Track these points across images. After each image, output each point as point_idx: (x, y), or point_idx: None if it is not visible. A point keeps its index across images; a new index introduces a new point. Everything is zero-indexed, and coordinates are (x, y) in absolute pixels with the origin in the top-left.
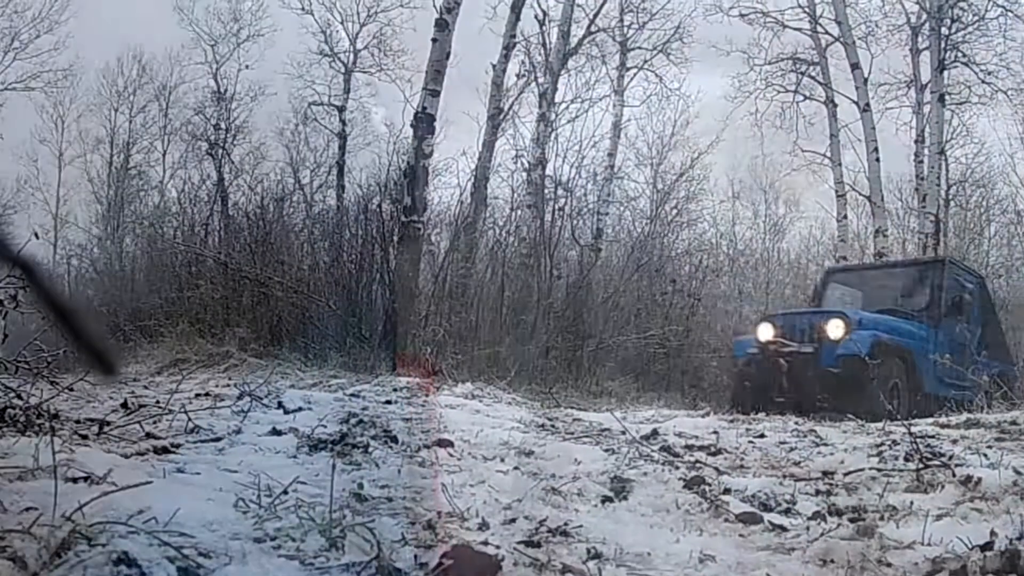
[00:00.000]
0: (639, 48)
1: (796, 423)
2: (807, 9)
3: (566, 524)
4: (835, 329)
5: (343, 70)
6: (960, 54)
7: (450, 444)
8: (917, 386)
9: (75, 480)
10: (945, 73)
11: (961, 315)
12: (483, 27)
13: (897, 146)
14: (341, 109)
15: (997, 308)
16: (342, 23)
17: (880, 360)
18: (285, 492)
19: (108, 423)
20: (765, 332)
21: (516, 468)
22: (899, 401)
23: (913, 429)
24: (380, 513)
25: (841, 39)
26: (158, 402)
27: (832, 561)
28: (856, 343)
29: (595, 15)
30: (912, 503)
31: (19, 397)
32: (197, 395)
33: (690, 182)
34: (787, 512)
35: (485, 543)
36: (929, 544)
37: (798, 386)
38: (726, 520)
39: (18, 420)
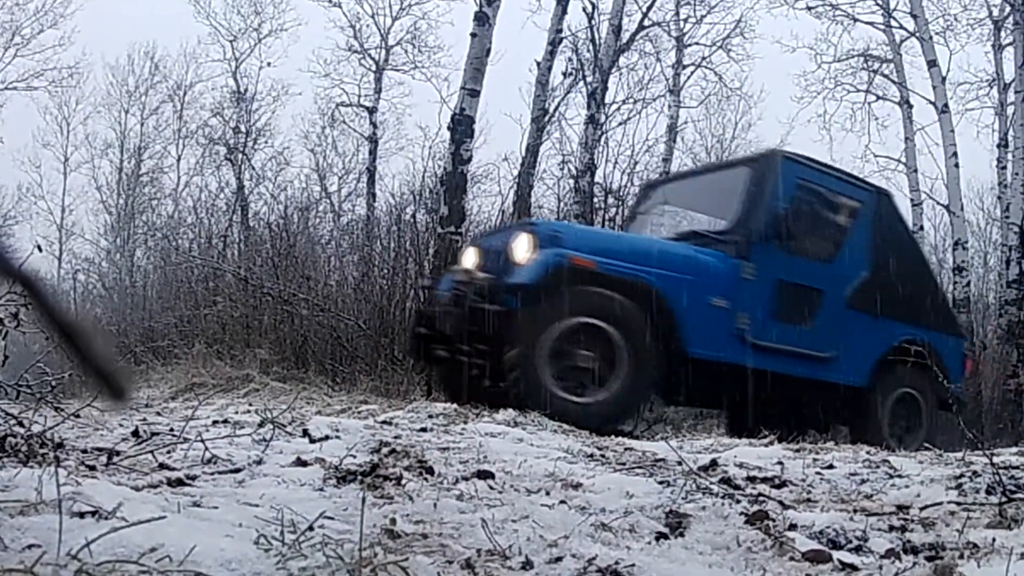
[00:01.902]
0: (696, 44)
1: (868, 452)
2: (880, 1)
3: (617, 563)
4: (520, 249)
5: (374, 68)
6: None
7: (491, 476)
8: (674, 346)
9: (81, 515)
10: None
11: (809, 243)
12: (527, 21)
13: (978, 151)
14: (372, 110)
15: (926, 251)
16: (373, 17)
17: (568, 294)
18: (311, 528)
19: (118, 453)
20: (468, 259)
21: (562, 502)
22: (626, 368)
23: (997, 459)
24: (414, 551)
25: (917, 34)
26: (172, 430)
27: None
28: (530, 270)
29: (649, 8)
30: (994, 540)
31: (21, 424)
32: (215, 422)
33: None
34: (858, 550)
35: None
36: None
37: (475, 337)
38: (791, 559)
39: (20, 449)
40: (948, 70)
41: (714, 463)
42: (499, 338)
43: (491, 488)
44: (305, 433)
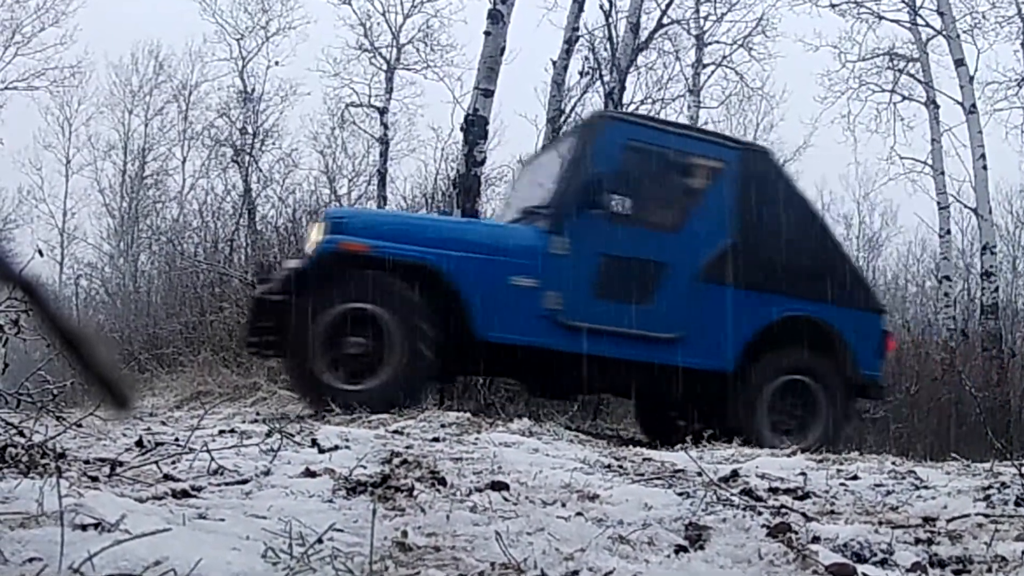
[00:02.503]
0: (717, 42)
1: (893, 463)
2: None
3: None
4: (309, 237)
5: (385, 67)
6: None
7: (505, 487)
8: (464, 329)
9: (84, 527)
10: None
11: (645, 211)
12: (542, 19)
13: (1007, 152)
14: (383, 111)
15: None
16: (384, 14)
17: (338, 280)
18: (320, 541)
19: (121, 463)
20: (316, 235)
21: (579, 514)
22: (398, 353)
23: None
24: (426, 564)
25: (944, 32)
26: (177, 440)
27: None
28: (306, 258)
29: (668, 5)
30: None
31: (21, 434)
32: (221, 432)
33: None
34: (883, 563)
35: None
36: None
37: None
38: (815, 572)
39: (20, 460)
40: (976, 69)
41: (735, 474)
42: (284, 329)
43: (505, 500)
44: (314, 443)
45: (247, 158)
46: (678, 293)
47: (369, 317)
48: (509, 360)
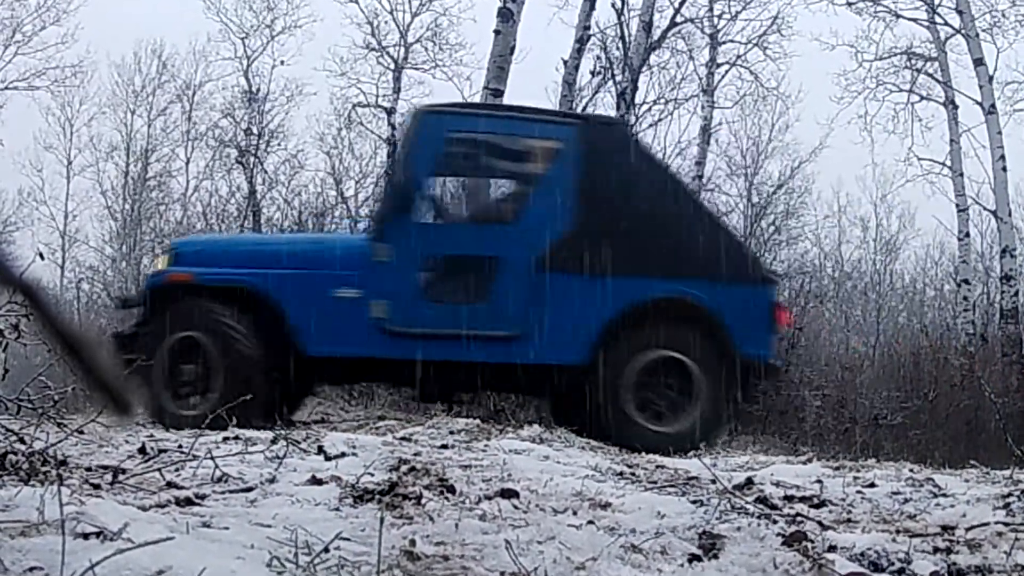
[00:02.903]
0: (731, 41)
1: (911, 471)
2: None
3: None
4: (158, 266)
5: (393, 67)
6: None
7: (515, 495)
8: (290, 346)
9: (86, 536)
10: None
11: (473, 205)
12: (553, 17)
13: None
14: (390, 111)
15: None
16: (392, 13)
17: (167, 310)
18: (326, 550)
19: (123, 471)
20: (157, 267)
21: (591, 522)
22: (221, 377)
23: None
24: (435, 574)
25: (963, 31)
26: (181, 446)
27: None
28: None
29: (681, 4)
30: None
31: (22, 441)
32: (225, 439)
33: (790, 195)
34: (901, 572)
35: None
36: None
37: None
38: None
39: (21, 467)
40: (995, 69)
41: (750, 481)
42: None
43: (515, 508)
44: (320, 450)
45: (252, 159)
46: (516, 288)
47: (196, 344)
48: (343, 373)
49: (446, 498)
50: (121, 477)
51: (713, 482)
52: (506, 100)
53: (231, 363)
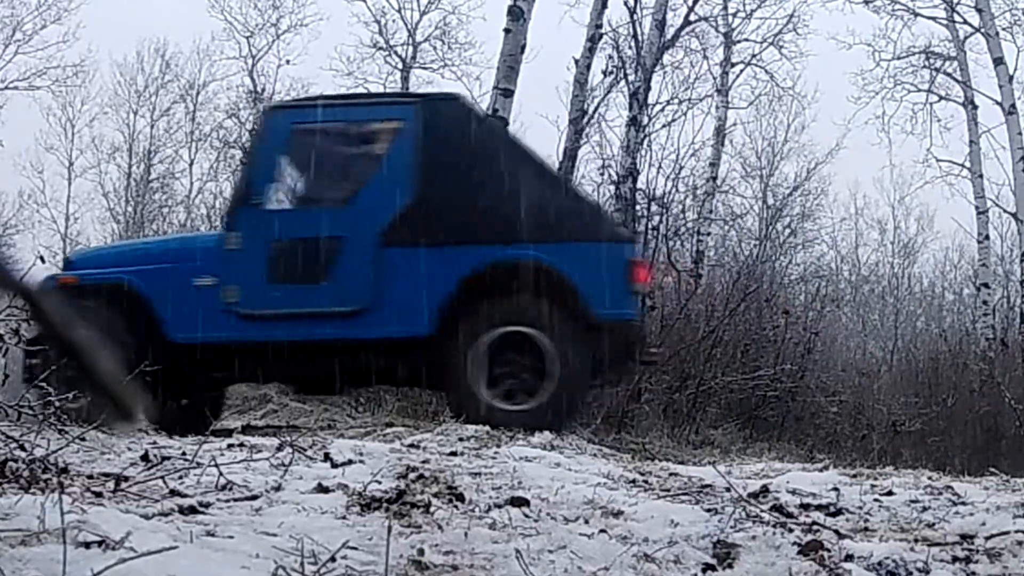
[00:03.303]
0: (746, 40)
1: (930, 478)
2: None
3: None
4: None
5: (401, 66)
6: None
7: (526, 503)
8: (159, 337)
9: (87, 545)
10: None
11: (317, 189)
12: (564, 16)
13: None
14: None
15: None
16: (399, 11)
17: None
18: (333, 559)
19: (126, 478)
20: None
21: (603, 531)
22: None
23: None
24: None
25: (982, 30)
26: (184, 453)
27: None
28: None
29: (695, 2)
30: None
31: (22, 448)
32: (230, 446)
33: (806, 197)
34: None
35: None
36: None
37: None
38: None
39: (21, 475)
40: (1016, 68)
41: (765, 489)
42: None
43: (526, 516)
44: (327, 457)
45: None
46: (358, 264)
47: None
48: (208, 360)
49: (455, 506)
50: (123, 485)
51: (727, 490)
52: (517, 100)
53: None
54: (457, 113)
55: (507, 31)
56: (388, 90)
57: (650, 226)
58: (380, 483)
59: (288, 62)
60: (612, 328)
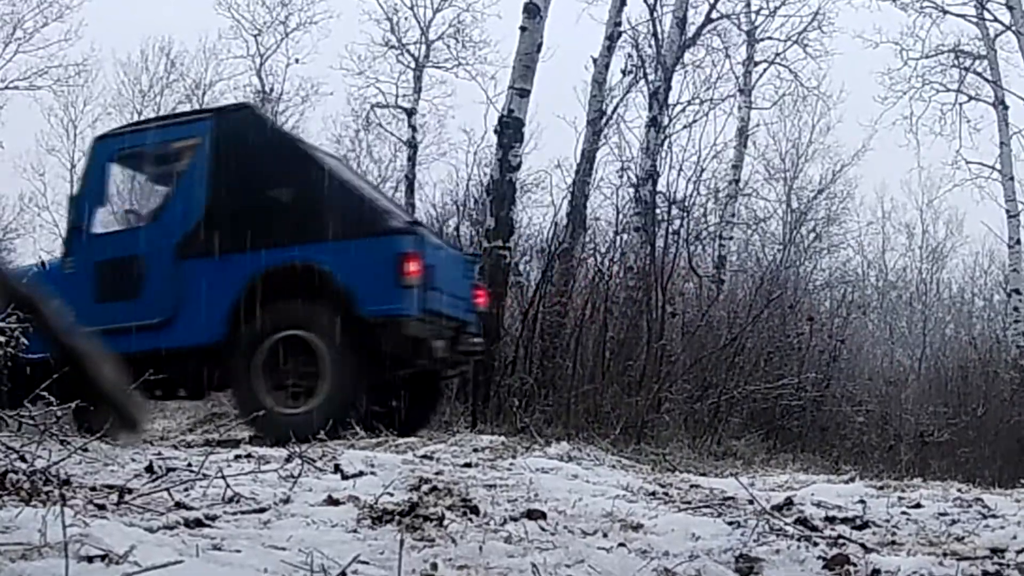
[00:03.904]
0: (769, 39)
1: (959, 490)
2: None
3: None
4: None
5: (413, 65)
6: None
7: (542, 516)
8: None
9: (90, 559)
10: None
11: (130, 212)
12: (582, 13)
13: None
14: (411, 112)
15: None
16: (412, 8)
17: None
18: (343, 574)
19: (130, 491)
20: None
21: (621, 544)
22: None
23: None
24: None
25: (1014, 27)
26: (190, 465)
27: None
28: None
29: None
30: None
31: (23, 459)
32: (237, 457)
33: (831, 200)
34: None
35: None
36: None
37: None
38: None
39: (22, 487)
40: None
41: (789, 502)
42: None
43: (542, 529)
44: (337, 469)
45: None
46: (160, 278)
47: None
48: (42, 373)
49: (469, 519)
50: (127, 497)
51: (750, 502)
52: (533, 101)
53: None
54: (247, 123)
55: (523, 29)
56: (193, 109)
57: (671, 230)
58: (392, 495)
59: (297, 61)
60: (383, 325)
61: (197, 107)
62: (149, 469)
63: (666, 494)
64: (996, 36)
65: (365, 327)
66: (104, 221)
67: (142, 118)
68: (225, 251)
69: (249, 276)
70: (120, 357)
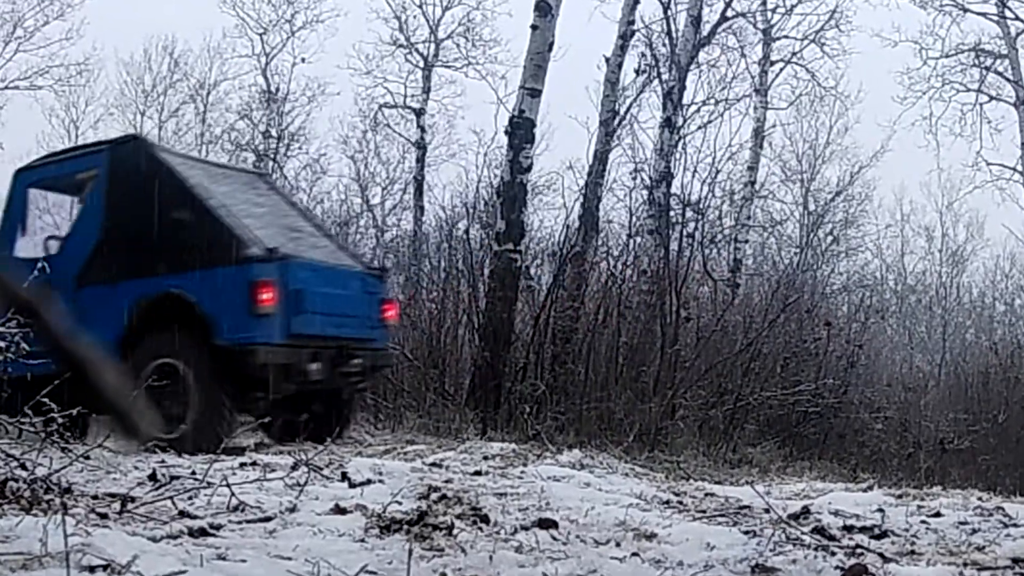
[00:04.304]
0: (786, 37)
1: (979, 499)
2: None
3: None
4: None
5: (422, 65)
6: None
7: (554, 525)
8: None
9: (92, 569)
10: None
11: (46, 241)
12: (594, 11)
13: None
14: (419, 112)
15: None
16: (421, 7)
17: None
18: None
19: (132, 499)
20: None
21: (635, 554)
22: None
23: None
24: None
25: None
26: (194, 473)
27: None
28: None
29: None
30: None
31: (23, 467)
32: (242, 464)
33: (849, 202)
34: None
35: None
36: None
37: None
38: None
39: (22, 495)
40: None
41: (806, 511)
42: None
43: (554, 539)
44: (344, 477)
45: (271, 164)
46: (65, 305)
47: None
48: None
49: (480, 528)
50: (130, 506)
51: (767, 511)
52: (545, 101)
53: None
54: (135, 154)
55: (534, 28)
56: (95, 140)
57: (685, 233)
58: (400, 504)
59: (303, 60)
60: (240, 353)
61: (130, 131)
62: (152, 477)
63: (680, 503)
64: (1018, 35)
65: (227, 355)
66: (25, 248)
67: (59, 149)
68: (113, 280)
69: (133, 305)
70: (24, 380)
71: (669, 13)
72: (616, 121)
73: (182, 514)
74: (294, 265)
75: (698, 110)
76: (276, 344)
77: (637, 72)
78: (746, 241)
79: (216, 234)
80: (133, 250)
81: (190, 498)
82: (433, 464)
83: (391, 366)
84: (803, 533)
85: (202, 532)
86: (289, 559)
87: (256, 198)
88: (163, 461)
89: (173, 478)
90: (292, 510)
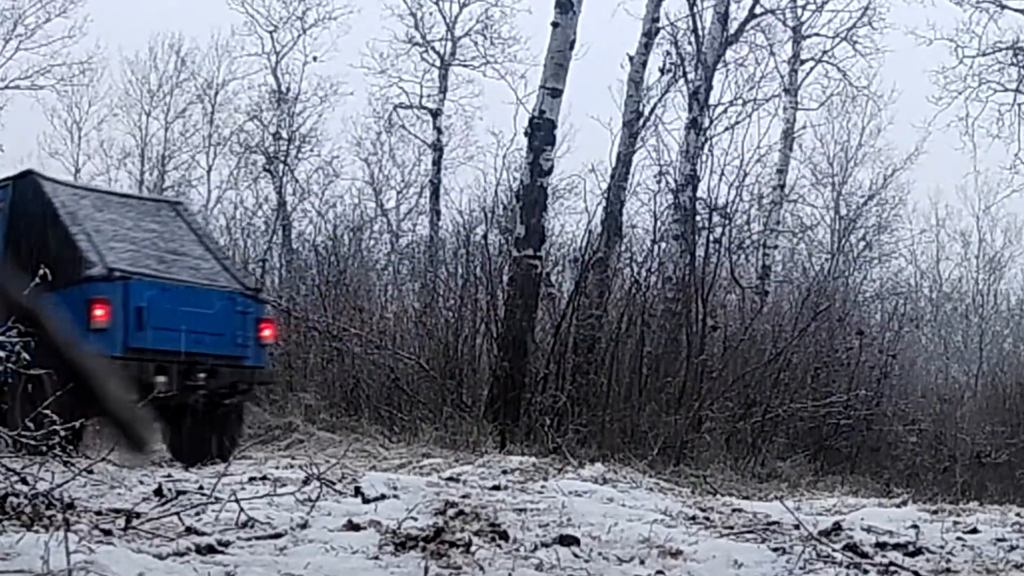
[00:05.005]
0: (817, 35)
1: (1018, 515)
2: None
3: None
4: None
5: (438, 63)
6: None
7: (575, 542)
8: None
9: None
10: None
11: None
12: (617, 8)
13: None
14: (436, 113)
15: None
16: (437, 4)
17: None
18: None
19: (138, 515)
20: None
21: (660, 572)
22: None
23: None
24: None
25: None
26: (201, 488)
27: None
28: None
29: None
30: None
31: (24, 482)
32: (251, 479)
33: (882, 206)
34: None
35: None
36: None
37: None
38: None
39: (23, 511)
40: None
41: (837, 527)
42: None
43: (576, 556)
44: (357, 492)
45: (281, 167)
46: None
47: None
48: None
49: (498, 545)
50: (135, 522)
51: (796, 527)
52: (566, 101)
53: None
54: (29, 188)
55: (555, 25)
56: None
57: (712, 239)
58: (416, 520)
59: (315, 59)
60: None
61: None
62: (158, 492)
63: (707, 519)
64: None
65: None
66: None
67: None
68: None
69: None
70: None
71: (695, 10)
72: (640, 122)
73: (189, 530)
74: (139, 284)
75: (725, 111)
76: (113, 357)
77: (662, 71)
78: (775, 247)
79: (70, 257)
80: (23, 275)
81: (197, 514)
82: (450, 478)
83: (269, 383)
84: (834, 550)
85: (210, 549)
86: None
87: (148, 225)
88: (169, 475)
89: (180, 493)
90: (303, 526)
